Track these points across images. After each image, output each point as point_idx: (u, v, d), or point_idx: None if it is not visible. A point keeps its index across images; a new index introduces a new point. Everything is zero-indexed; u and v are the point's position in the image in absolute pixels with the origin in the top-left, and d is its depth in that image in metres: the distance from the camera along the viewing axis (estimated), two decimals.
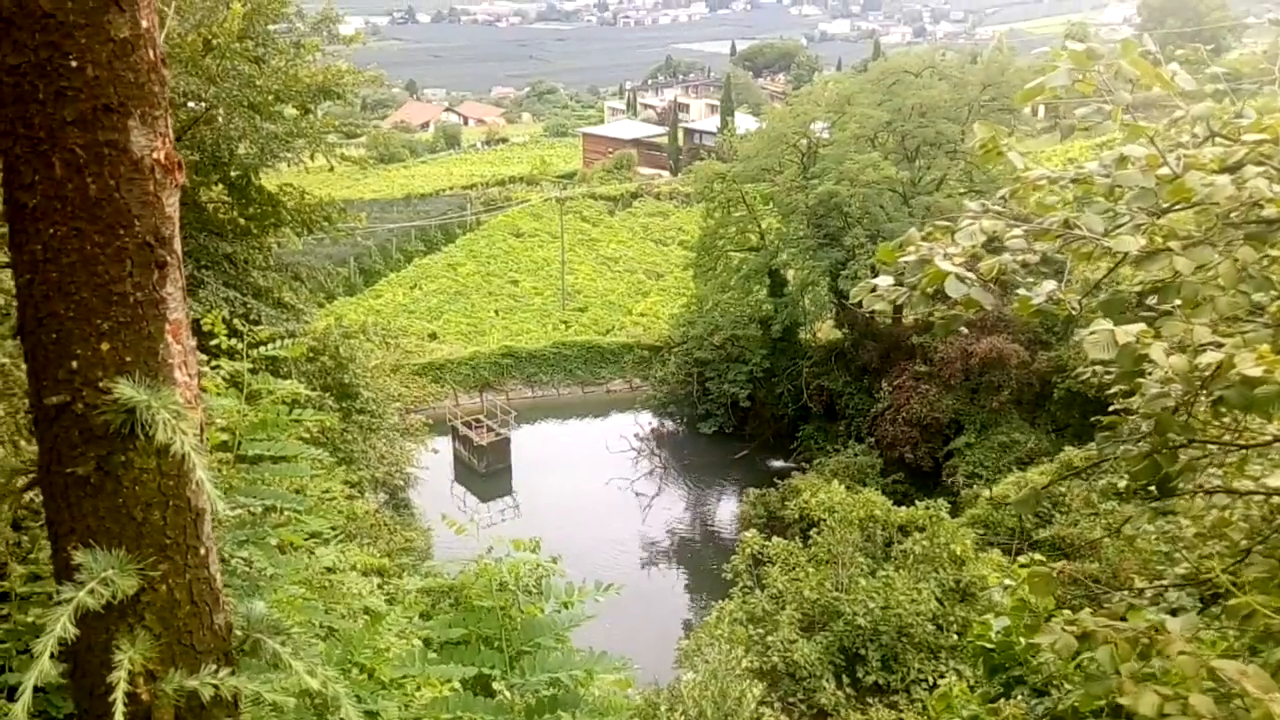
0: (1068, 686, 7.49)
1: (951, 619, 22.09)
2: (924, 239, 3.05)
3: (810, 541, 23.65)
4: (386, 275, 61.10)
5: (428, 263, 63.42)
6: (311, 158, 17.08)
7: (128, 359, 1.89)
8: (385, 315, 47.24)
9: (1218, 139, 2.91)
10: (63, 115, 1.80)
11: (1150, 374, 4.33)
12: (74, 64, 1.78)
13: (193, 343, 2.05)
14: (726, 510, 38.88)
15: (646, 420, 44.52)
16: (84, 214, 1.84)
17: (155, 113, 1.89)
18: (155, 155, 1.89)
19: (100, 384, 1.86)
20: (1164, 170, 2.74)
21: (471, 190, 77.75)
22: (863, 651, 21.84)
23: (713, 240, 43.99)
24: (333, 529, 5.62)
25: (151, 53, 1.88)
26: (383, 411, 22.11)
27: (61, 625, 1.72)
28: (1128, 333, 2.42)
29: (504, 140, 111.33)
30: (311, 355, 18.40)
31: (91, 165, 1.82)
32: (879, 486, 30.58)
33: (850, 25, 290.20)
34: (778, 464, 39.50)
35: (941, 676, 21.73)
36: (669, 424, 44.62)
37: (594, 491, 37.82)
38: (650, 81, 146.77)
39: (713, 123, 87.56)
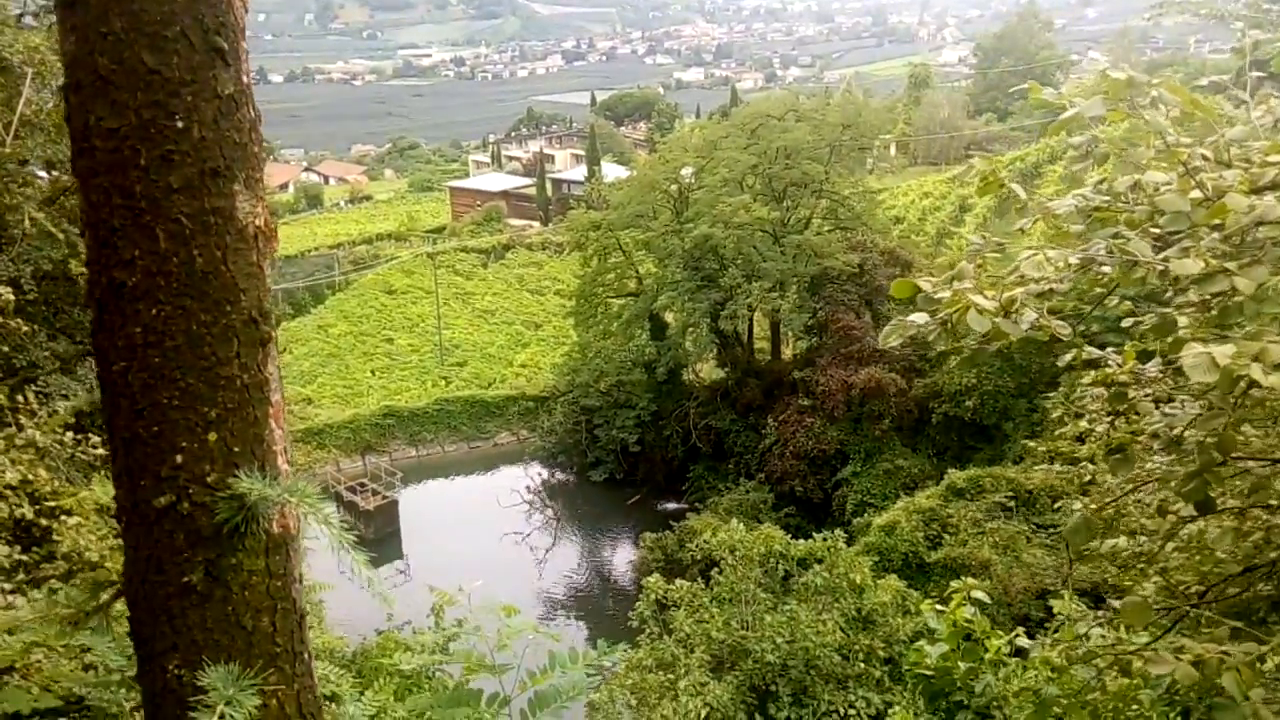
0: (1009, 709, 7.64)
1: (856, 647, 22.35)
2: (975, 270, 3.09)
3: (712, 581, 23.62)
4: None
5: (296, 326, 61.53)
6: None
7: (235, 449, 1.68)
8: None
9: (1235, 163, 3.04)
10: (168, 181, 1.58)
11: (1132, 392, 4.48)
12: (180, 124, 1.57)
13: (286, 426, 1.85)
14: (623, 557, 38.60)
15: (537, 472, 43.96)
16: (190, 290, 1.62)
17: (256, 175, 1.71)
18: (257, 221, 1.70)
19: (209, 480, 1.64)
20: (1195, 194, 2.86)
21: (338, 250, 76.10)
22: (773, 688, 21.80)
23: (591, 288, 44.15)
24: None
25: (252, 110, 1.69)
26: None
27: None
28: (1225, 354, 2.49)
29: (368, 198, 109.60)
30: None
31: (198, 235, 1.61)
32: (772, 521, 30.87)
33: (704, 73, 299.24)
34: (671, 506, 39.55)
35: (851, 706, 21.92)
36: (560, 474, 44.17)
37: (487, 549, 36.95)
38: (513, 134, 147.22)
39: (579, 172, 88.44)
